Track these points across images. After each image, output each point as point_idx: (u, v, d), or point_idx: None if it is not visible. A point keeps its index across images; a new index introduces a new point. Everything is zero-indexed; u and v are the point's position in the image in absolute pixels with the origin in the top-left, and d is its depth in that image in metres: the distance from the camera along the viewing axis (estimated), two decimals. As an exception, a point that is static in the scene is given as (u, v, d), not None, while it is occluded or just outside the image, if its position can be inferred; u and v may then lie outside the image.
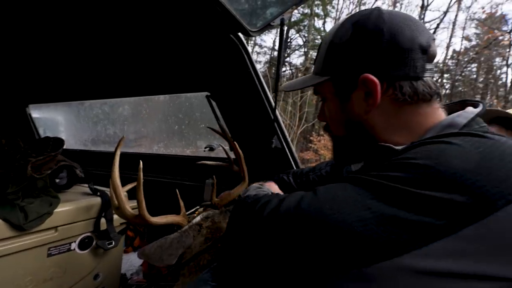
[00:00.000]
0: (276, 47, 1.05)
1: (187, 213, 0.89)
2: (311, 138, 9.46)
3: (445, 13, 10.23)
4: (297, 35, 12.55)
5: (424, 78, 0.47)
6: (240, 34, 1.02)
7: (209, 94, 1.31)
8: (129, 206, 0.77)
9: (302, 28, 12.40)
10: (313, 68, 0.59)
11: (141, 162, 0.73)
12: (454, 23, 10.69)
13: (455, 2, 10.08)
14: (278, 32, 0.99)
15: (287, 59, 12.34)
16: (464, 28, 10.95)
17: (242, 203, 0.51)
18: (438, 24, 10.44)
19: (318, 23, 12.26)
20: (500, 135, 0.38)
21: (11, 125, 2.26)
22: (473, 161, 0.33)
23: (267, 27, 0.99)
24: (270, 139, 1.17)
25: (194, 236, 0.79)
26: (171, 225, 0.82)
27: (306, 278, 0.38)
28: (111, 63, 1.41)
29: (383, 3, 11.06)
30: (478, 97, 10.73)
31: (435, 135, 0.43)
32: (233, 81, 1.18)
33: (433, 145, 0.37)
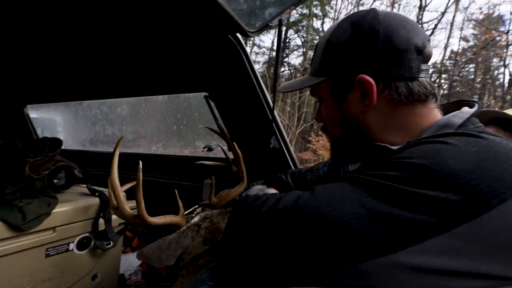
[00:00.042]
0: (275, 48, 1.06)
1: (185, 212, 0.89)
2: (309, 138, 9.48)
3: (443, 13, 10.28)
4: (296, 35, 12.57)
5: (420, 79, 0.48)
6: (238, 34, 1.02)
7: (207, 94, 1.31)
8: (128, 206, 0.77)
9: (300, 28, 12.42)
10: (309, 69, 0.59)
11: (140, 162, 0.73)
12: (451, 24, 10.73)
13: (452, 3, 10.13)
14: (276, 33, 0.99)
15: (286, 59, 12.35)
16: (461, 29, 11.00)
17: (241, 202, 0.51)
18: (436, 25, 10.48)
19: (317, 23, 12.27)
20: (495, 135, 0.38)
21: (9, 125, 2.25)
22: (468, 160, 0.34)
23: (265, 27, 0.99)
24: (269, 139, 1.18)
25: (192, 236, 0.79)
26: (169, 226, 0.82)
27: (303, 275, 0.39)
28: (109, 63, 1.40)
29: (381, 4, 11.10)
30: (475, 98, 10.77)
31: (431, 135, 0.43)
32: (231, 81, 1.18)
33: (428, 145, 0.38)
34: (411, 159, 0.36)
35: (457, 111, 0.48)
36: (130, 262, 1.38)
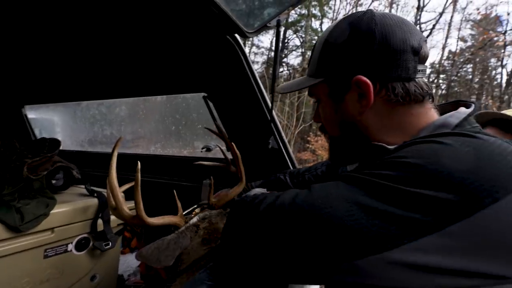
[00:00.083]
0: (273, 48, 1.06)
1: (184, 213, 0.89)
2: (308, 138, 9.49)
3: (441, 14, 10.32)
4: (295, 35, 12.59)
5: (416, 79, 0.48)
6: (236, 35, 1.03)
7: (206, 94, 1.31)
8: (126, 207, 0.77)
9: (299, 28, 12.44)
10: (307, 70, 0.60)
11: (139, 163, 0.73)
12: (449, 24, 10.78)
13: (450, 3, 10.17)
14: (275, 33, 1.00)
15: (285, 59, 12.36)
16: (459, 29, 11.05)
17: (240, 201, 0.52)
18: (434, 25, 10.53)
19: (315, 23, 12.29)
20: (490, 135, 0.38)
21: (6, 126, 2.24)
22: (462, 160, 0.34)
23: (263, 28, 0.99)
24: (267, 139, 1.18)
25: (191, 237, 0.79)
26: (168, 226, 0.82)
27: (300, 272, 0.39)
28: (107, 63, 1.40)
29: (379, 4, 11.13)
30: (473, 97, 10.82)
31: (427, 134, 0.44)
32: (230, 82, 1.19)
33: (424, 145, 0.39)
34: (407, 159, 0.37)
35: (453, 112, 0.49)
36: (129, 262, 1.37)
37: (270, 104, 1.14)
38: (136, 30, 1.07)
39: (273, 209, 0.42)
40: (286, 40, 12.29)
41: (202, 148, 1.48)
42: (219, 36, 1.02)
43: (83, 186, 1.12)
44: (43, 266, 0.90)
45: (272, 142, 1.18)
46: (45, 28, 1.12)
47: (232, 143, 1.02)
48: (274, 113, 1.17)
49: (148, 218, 0.76)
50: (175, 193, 0.87)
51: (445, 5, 10.15)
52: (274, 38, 1.12)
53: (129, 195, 0.81)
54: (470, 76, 11.38)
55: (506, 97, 9.81)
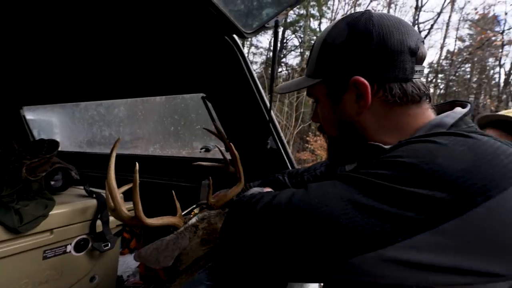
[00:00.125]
0: (272, 48, 1.06)
1: (183, 213, 0.89)
2: (307, 138, 9.51)
3: (439, 14, 10.36)
4: (293, 35, 12.60)
5: (414, 80, 0.49)
6: (234, 35, 1.03)
7: (204, 95, 1.31)
8: (125, 207, 0.77)
9: (298, 29, 12.46)
10: (305, 71, 0.60)
11: (137, 164, 0.73)
12: (447, 24, 10.82)
13: (448, 3, 10.20)
14: (273, 34, 1.00)
15: (283, 59, 12.38)
16: (457, 29, 11.09)
17: (237, 201, 0.52)
18: (432, 25, 10.56)
19: (314, 23, 12.32)
20: (484, 135, 0.39)
21: (5, 127, 2.23)
22: (456, 159, 0.35)
23: (261, 28, 0.99)
24: (266, 139, 1.18)
25: (190, 237, 0.79)
26: (167, 227, 0.82)
27: (297, 270, 0.39)
28: (106, 64, 1.40)
29: (377, 4, 11.16)
30: (472, 97, 10.86)
31: (422, 134, 0.44)
32: (228, 82, 1.19)
33: (419, 144, 0.39)
34: (402, 158, 0.37)
35: (449, 112, 0.49)
36: (128, 263, 1.37)
37: (268, 104, 1.14)
38: (134, 31, 1.07)
39: (270, 209, 0.43)
40: (284, 40, 12.31)
41: (201, 149, 1.48)
42: (218, 36, 1.02)
43: (82, 187, 1.12)
44: (42, 267, 0.90)
45: (270, 142, 1.18)
46: (44, 29, 1.12)
47: (231, 143, 1.02)
48: (272, 113, 1.17)
49: (146, 219, 0.76)
50: (174, 193, 0.87)
51: (443, 5, 10.19)
52: (272, 39, 1.13)
53: (128, 196, 0.81)
54: (468, 76, 11.43)
55: (504, 96, 9.85)
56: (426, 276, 0.34)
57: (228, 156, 1.07)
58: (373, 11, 0.51)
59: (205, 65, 1.19)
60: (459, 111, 0.49)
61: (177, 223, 0.83)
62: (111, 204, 0.77)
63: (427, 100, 0.51)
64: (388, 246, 0.33)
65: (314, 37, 11.58)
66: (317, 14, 11.86)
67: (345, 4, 11.36)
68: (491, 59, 10.14)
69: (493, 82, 10.52)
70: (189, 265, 0.76)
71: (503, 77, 10.08)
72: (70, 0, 0.90)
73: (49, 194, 0.97)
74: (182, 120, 1.69)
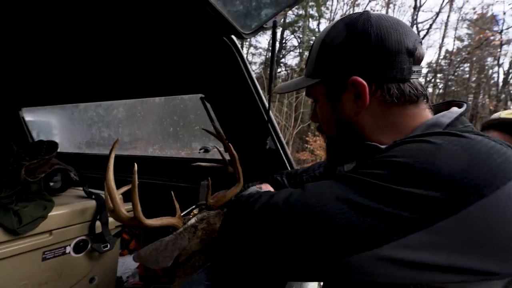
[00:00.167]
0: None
1: (182, 214, 0.89)
2: (307, 138, 9.50)
3: (438, 14, 10.38)
4: (292, 36, 12.61)
5: (411, 80, 0.49)
6: (233, 36, 1.03)
7: (203, 96, 1.32)
8: (124, 208, 0.77)
9: (296, 29, 12.47)
10: (304, 71, 0.61)
11: (135, 165, 0.73)
12: (446, 24, 10.84)
13: (447, 3, 10.23)
14: (271, 34, 1.00)
15: (282, 60, 12.39)
16: (456, 29, 11.11)
17: (235, 201, 0.52)
18: (430, 25, 10.58)
19: (313, 24, 12.34)
20: (479, 134, 0.39)
21: (4, 128, 2.23)
22: (450, 159, 0.35)
23: (260, 29, 1.00)
24: (264, 140, 1.18)
25: (189, 238, 0.79)
26: (166, 227, 0.82)
27: (294, 270, 0.40)
28: (105, 65, 1.40)
29: (376, 4, 11.17)
30: (470, 96, 10.88)
31: (418, 134, 0.45)
32: (227, 83, 1.19)
33: (414, 144, 0.39)
34: (397, 158, 0.38)
35: (445, 111, 0.50)
36: (127, 264, 1.38)
37: (267, 105, 1.15)
38: (133, 32, 1.07)
39: (267, 208, 0.43)
40: (284, 41, 12.32)
41: (200, 149, 1.48)
42: (216, 37, 1.02)
43: (81, 188, 1.13)
44: (42, 268, 0.90)
45: (269, 143, 1.18)
46: (42, 30, 1.12)
47: (230, 144, 1.03)
48: (271, 113, 1.17)
49: (146, 220, 0.76)
50: (173, 194, 0.87)
51: (441, 4, 10.21)
52: (271, 39, 1.14)
53: (128, 196, 0.81)
54: (467, 75, 11.44)
55: (503, 95, 9.87)
56: (421, 274, 0.34)
57: (227, 157, 1.07)
58: (371, 12, 0.51)
59: (204, 66, 1.20)
60: (455, 111, 0.49)
61: (176, 223, 0.83)
62: (110, 205, 0.77)
63: (425, 100, 0.51)
64: (384, 245, 0.34)
65: (313, 38, 11.60)
66: (316, 14, 11.88)
67: (344, 4, 11.38)
68: (489, 59, 10.16)
69: (492, 81, 10.54)
70: (186, 259, 0.76)
71: (501, 76, 10.11)
72: (69, 1, 0.90)
73: (48, 195, 0.97)
74: (181, 121, 1.69)
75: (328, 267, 0.37)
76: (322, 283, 0.61)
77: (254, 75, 1.14)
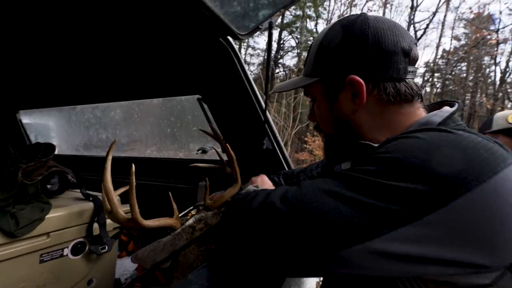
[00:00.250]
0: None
1: (180, 215, 0.89)
2: (305, 139, 9.52)
3: (434, 13, 10.43)
4: (290, 36, 12.64)
5: (407, 80, 0.51)
6: (229, 37, 1.03)
7: (200, 97, 1.32)
8: (122, 210, 0.77)
9: (294, 29, 12.50)
10: (303, 70, 0.62)
11: (133, 166, 0.73)
12: (443, 23, 10.90)
13: (443, 3, 10.28)
14: (267, 35, 1.00)
15: (280, 60, 12.42)
16: (453, 28, 11.18)
17: (233, 199, 0.53)
18: (427, 25, 10.63)
19: (310, 24, 12.38)
20: (467, 131, 0.40)
21: (1, 131, 2.23)
22: (437, 153, 0.36)
23: (256, 30, 1.00)
24: (261, 140, 1.19)
25: (187, 238, 0.80)
26: (165, 228, 0.82)
27: (291, 265, 0.41)
28: (101, 67, 1.40)
29: (373, 4, 11.22)
30: (468, 95, 10.93)
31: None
32: (223, 83, 1.19)
33: (402, 140, 0.41)
34: (386, 154, 0.39)
35: (437, 111, 0.51)
36: (126, 266, 1.37)
37: (264, 105, 1.15)
38: (129, 34, 1.07)
39: (264, 206, 0.44)
40: (281, 41, 12.35)
41: (198, 150, 1.48)
42: (212, 38, 1.02)
43: (78, 190, 1.12)
44: (39, 271, 0.90)
45: (266, 143, 1.19)
46: (39, 33, 1.12)
47: (227, 144, 1.03)
48: (268, 114, 1.17)
49: (143, 221, 0.76)
50: (171, 195, 0.87)
51: (438, 4, 10.26)
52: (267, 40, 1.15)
53: (125, 198, 0.81)
54: (465, 74, 11.50)
55: (500, 94, 9.92)
56: (412, 267, 0.35)
57: (225, 157, 1.07)
58: (368, 14, 0.53)
59: (200, 67, 1.20)
60: (446, 110, 0.50)
61: (174, 224, 0.83)
62: (108, 206, 0.77)
63: (419, 99, 0.53)
64: (375, 238, 0.35)
65: (311, 38, 11.63)
66: (314, 15, 11.92)
67: (341, 4, 11.42)
68: (486, 58, 10.22)
69: (489, 80, 10.60)
70: (183, 260, 0.76)
71: (498, 75, 10.16)
72: (66, 4, 0.91)
73: (46, 197, 0.96)
74: (178, 122, 1.69)
75: (323, 261, 0.38)
76: (320, 282, 0.62)
77: (250, 76, 1.14)
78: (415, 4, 10.37)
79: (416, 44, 0.52)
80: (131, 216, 0.75)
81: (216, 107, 1.31)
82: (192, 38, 1.05)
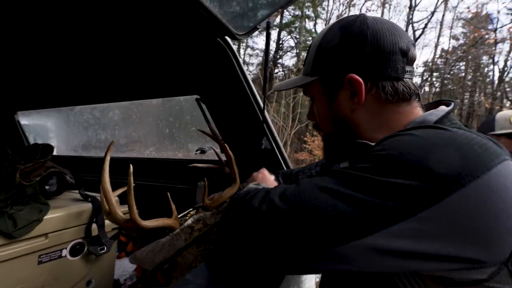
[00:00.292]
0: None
1: (179, 215, 0.89)
2: (305, 138, 9.52)
3: (433, 13, 10.45)
4: (289, 36, 12.65)
5: (405, 79, 0.51)
6: (227, 37, 1.03)
7: (198, 97, 1.32)
8: (121, 211, 0.77)
9: (293, 29, 12.51)
10: (302, 70, 0.62)
11: (131, 166, 0.73)
12: (441, 23, 10.92)
13: (442, 2, 10.30)
14: (265, 35, 1.00)
15: (279, 60, 12.43)
16: (451, 28, 11.21)
17: (233, 198, 0.53)
18: (426, 24, 10.65)
19: (309, 24, 12.39)
20: (462, 128, 0.41)
21: (-1, 132, 2.22)
22: (432, 150, 0.36)
23: (253, 30, 1.00)
24: (260, 140, 1.19)
25: (185, 239, 0.79)
26: (163, 229, 0.82)
27: (290, 262, 0.41)
28: (100, 68, 1.40)
29: (372, 4, 11.23)
30: (466, 95, 10.96)
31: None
32: (222, 84, 1.19)
33: (398, 137, 0.41)
34: (382, 151, 0.40)
35: (433, 110, 0.52)
36: (125, 267, 1.37)
37: (262, 105, 1.15)
38: (127, 35, 1.07)
39: (264, 204, 0.44)
40: (280, 41, 12.35)
41: (196, 150, 1.48)
42: (210, 39, 1.02)
43: (77, 191, 1.12)
44: (38, 272, 0.89)
45: (265, 143, 1.19)
46: (38, 34, 1.12)
47: (226, 144, 1.03)
48: (266, 113, 1.18)
49: (142, 221, 0.76)
50: (169, 195, 0.87)
51: (436, 4, 10.28)
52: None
53: (124, 199, 0.81)
54: (463, 74, 11.53)
55: (499, 93, 9.94)
56: (408, 263, 0.35)
57: (224, 157, 1.07)
58: (367, 14, 0.54)
59: (199, 67, 1.20)
60: (442, 109, 0.51)
61: (173, 224, 0.83)
62: (106, 207, 0.77)
63: (417, 99, 0.54)
64: (371, 234, 0.35)
65: (310, 38, 11.65)
66: (312, 15, 11.93)
67: (340, 4, 11.43)
68: (485, 57, 10.25)
69: (488, 79, 10.63)
70: (182, 260, 0.76)
71: (497, 74, 10.18)
72: (64, 5, 0.90)
73: (44, 198, 0.96)
74: (177, 122, 1.69)
75: (320, 258, 0.38)
76: (319, 281, 0.62)
77: (249, 76, 1.14)
78: (413, 4, 10.39)
79: (413, 44, 0.53)
80: (130, 216, 0.75)
81: (215, 107, 1.31)
82: (190, 39, 1.05)
